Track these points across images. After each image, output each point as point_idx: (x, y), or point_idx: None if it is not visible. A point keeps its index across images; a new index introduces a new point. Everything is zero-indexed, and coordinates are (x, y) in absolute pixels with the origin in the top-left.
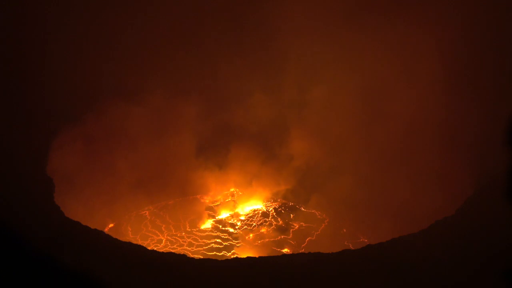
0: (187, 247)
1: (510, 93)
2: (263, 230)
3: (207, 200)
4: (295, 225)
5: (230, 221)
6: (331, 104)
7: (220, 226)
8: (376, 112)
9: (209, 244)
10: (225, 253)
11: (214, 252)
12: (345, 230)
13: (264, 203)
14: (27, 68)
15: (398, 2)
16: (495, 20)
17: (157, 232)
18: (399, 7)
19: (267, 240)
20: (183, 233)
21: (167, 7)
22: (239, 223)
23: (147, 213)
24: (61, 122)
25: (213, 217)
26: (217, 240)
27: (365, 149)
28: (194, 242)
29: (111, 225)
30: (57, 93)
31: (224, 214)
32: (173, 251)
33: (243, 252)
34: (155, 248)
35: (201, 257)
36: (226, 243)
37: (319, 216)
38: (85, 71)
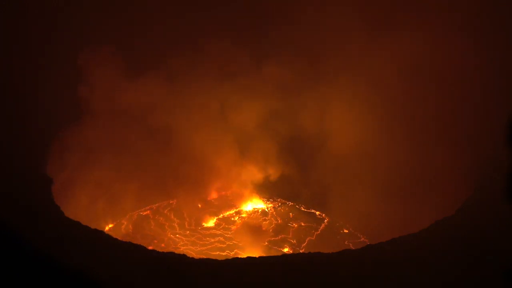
0: (191, 246)
1: (510, 93)
2: (263, 229)
3: (210, 198)
4: (295, 225)
5: (232, 219)
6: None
7: (223, 224)
8: (376, 112)
9: (213, 243)
10: (228, 252)
11: (218, 252)
12: (345, 230)
13: (264, 202)
14: (26, 68)
15: None
16: (495, 20)
17: (159, 231)
18: None
19: (267, 239)
20: (187, 232)
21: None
22: (240, 222)
23: (149, 213)
24: (61, 121)
25: (216, 215)
26: (221, 238)
27: (366, 149)
28: (198, 241)
29: (111, 225)
30: (57, 92)
31: (226, 213)
32: (176, 251)
33: (243, 252)
34: (157, 248)
35: (204, 256)
36: (228, 242)
37: (319, 216)
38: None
